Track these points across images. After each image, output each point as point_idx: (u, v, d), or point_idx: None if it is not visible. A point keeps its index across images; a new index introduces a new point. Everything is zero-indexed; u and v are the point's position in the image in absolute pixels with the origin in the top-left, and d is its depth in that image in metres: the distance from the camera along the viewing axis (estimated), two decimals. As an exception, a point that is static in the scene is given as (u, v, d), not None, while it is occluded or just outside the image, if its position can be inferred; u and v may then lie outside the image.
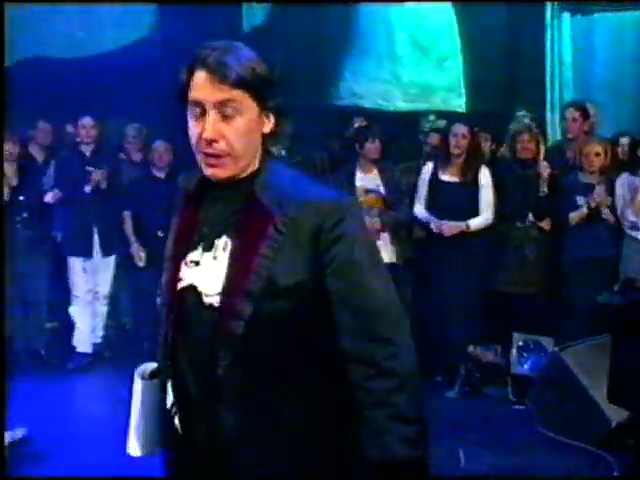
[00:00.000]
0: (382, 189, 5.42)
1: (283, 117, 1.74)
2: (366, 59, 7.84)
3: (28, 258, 5.52)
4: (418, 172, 5.58)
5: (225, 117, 1.64)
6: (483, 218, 5.39)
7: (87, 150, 5.69)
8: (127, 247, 5.83)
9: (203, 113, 1.64)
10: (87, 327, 5.68)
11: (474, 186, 5.38)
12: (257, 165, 1.72)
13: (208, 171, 1.68)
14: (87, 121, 5.74)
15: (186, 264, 1.72)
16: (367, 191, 5.40)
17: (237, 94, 1.63)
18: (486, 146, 5.72)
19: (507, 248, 5.46)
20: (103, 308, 5.79)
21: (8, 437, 4.06)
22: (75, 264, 5.63)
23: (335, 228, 1.63)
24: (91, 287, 5.69)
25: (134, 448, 1.80)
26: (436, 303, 5.44)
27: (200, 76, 1.64)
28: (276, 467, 1.66)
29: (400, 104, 7.70)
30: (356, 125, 6.14)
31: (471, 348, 5.34)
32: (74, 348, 5.66)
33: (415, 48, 7.74)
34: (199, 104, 1.64)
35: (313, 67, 7.81)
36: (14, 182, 5.51)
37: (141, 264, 5.83)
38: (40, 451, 4.17)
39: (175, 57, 5.56)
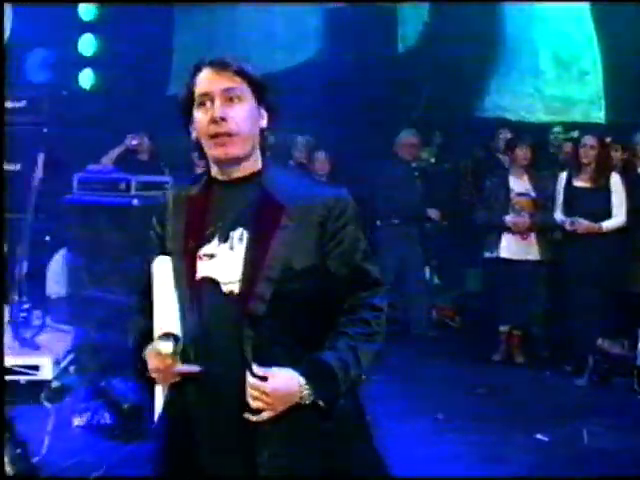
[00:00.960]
0: (532, 193, 6.09)
1: (275, 116, 1.94)
2: (510, 75, 8.36)
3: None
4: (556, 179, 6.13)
5: (230, 100, 1.82)
6: (615, 221, 5.83)
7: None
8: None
9: (211, 102, 1.83)
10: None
11: (606, 191, 5.84)
12: (260, 165, 1.91)
13: (218, 151, 1.83)
14: (263, 134, 6.73)
15: (200, 258, 1.84)
16: (519, 194, 6.07)
17: (238, 81, 1.83)
18: (617, 155, 6.12)
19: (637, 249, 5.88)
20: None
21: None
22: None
23: (340, 218, 1.85)
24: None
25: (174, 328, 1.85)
26: (569, 298, 5.95)
27: (204, 72, 1.85)
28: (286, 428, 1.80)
29: (542, 116, 8.12)
30: (504, 135, 6.78)
31: (600, 341, 5.77)
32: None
33: (557, 63, 8.13)
34: (206, 95, 1.83)
35: (462, 83, 8.41)
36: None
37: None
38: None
39: (339, 77, 6.57)
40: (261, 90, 1.89)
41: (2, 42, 5.62)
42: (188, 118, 1.89)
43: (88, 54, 9.42)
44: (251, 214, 1.83)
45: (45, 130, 5.85)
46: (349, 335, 1.84)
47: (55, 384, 4.96)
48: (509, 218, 6.05)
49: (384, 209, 6.67)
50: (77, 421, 4.56)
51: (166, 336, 1.82)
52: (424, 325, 6.88)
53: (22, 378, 4.79)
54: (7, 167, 5.60)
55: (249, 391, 1.76)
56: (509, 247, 6.10)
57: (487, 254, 6.25)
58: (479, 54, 8.34)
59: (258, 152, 1.90)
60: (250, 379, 1.76)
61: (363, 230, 1.93)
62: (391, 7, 9.07)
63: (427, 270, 7.07)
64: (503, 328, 6.25)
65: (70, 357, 5.14)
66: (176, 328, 1.83)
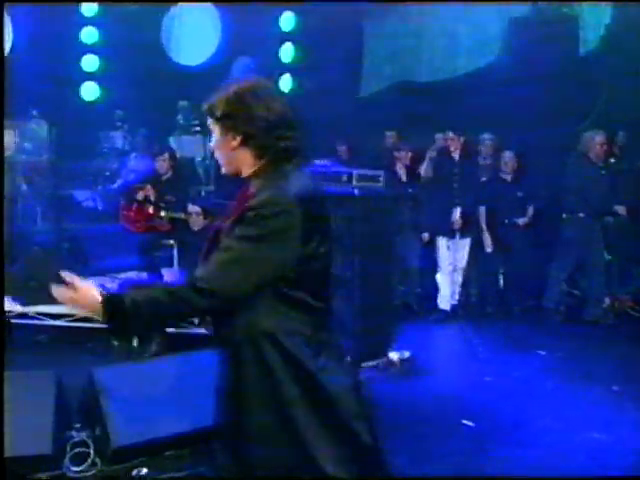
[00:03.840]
0: None
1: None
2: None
3: (405, 239, 7.39)
4: None
5: None
6: None
7: (455, 155, 7.36)
8: (479, 233, 7.46)
9: None
10: (447, 291, 7.40)
11: None
12: None
13: None
14: (451, 135, 7.43)
15: None
16: None
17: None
18: None
19: None
20: (459, 278, 7.47)
21: (398, 355, 5.90)
22: (441, 243, 7.39)
23: None
24: (452, 261, 7.39)
25: None
26: None
27: None
28: None
29: None
30: None
31: None
32: (437, 305, 7.43)
33: None
34: None
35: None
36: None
37: (489, 249, 7.43)
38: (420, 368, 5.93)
39: (521, 79, 7.18)
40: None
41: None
42: None
43: (287, 61, 10.55)
44: None
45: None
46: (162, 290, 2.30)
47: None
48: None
49: (571, 204, 7.16)
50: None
51: None
52: (600, 313, 7.30)
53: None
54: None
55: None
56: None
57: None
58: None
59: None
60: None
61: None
62: (573, 12, 9.45)
63: (607, 261, 7.47)
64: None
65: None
66: None
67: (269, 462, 2.34)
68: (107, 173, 9.05)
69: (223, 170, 2.43)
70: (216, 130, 2.39)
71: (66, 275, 2.30)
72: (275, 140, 2.33)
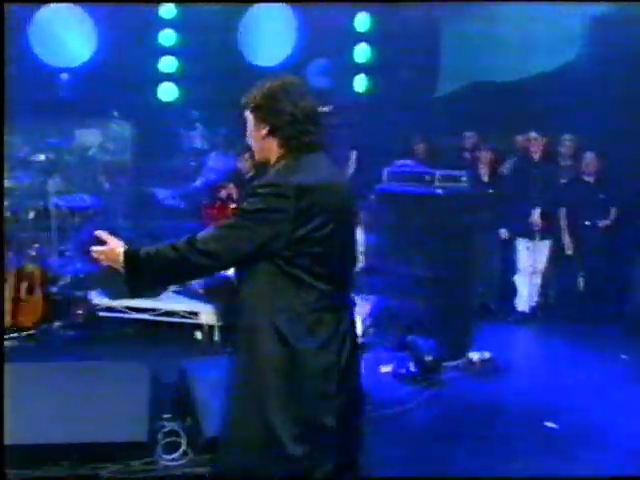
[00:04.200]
0: None
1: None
2: None
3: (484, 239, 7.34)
4: None
5: None
6: None
7: (536, 156, 7.28)
8: (560, 235, 7.35)
9: None
10: (526, 293, 7.33)
11: None
12: None
13: None
14: (533, 135, 7.37)
15: None
16: None
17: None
18: None
19: None
20: (538, 280, 7.39)
21: (478, 355, 5.88)
22: (521, 244, 7.33)
23: None
24: (531, 263, 7.32)
25: None
26: None
27: None
28: None
29: None
30: None
31: None
32: (515, 307, 7.37)
33: None
34: None
35: None
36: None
37: (569, 252, 7.32)
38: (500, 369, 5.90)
39: (600, 78, 7.02)
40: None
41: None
42: None
43: (362, 61, 10.59)
44: None
45: (348, 131, 6.90)
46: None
47: (360, 341, 5.98)
48: None
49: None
50: (384, 369, 5.55)
51: None
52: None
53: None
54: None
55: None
56: None
57: None
58: None
59: None
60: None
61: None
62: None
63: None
64: None
65: (370, 320, 6.15)
66: None
67: (242, 448, 2.56)
68: (187, 172, 9.25)
69: (255, 157, 2.71)
70: (250, 120, 2.64)
71: (101, 233, 2.63)
72: (298, 133, 2.57)
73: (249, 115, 2.64)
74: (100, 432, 4.01)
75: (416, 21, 10.12)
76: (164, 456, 4.12)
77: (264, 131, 2.60)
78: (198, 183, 8.41)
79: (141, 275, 2.59)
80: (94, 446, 4.02)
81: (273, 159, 2.62)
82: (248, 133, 2.67)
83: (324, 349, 2.53)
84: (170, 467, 4.07)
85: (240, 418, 2.58)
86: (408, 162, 6.09)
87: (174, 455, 4.11)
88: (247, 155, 7.15)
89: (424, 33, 10.47)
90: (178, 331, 6.27)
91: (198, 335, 6.17)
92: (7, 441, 3.88)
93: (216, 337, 6.14)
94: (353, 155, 7.02)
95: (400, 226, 5.71)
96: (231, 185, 7.04)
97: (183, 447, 4.13)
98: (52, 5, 9.35)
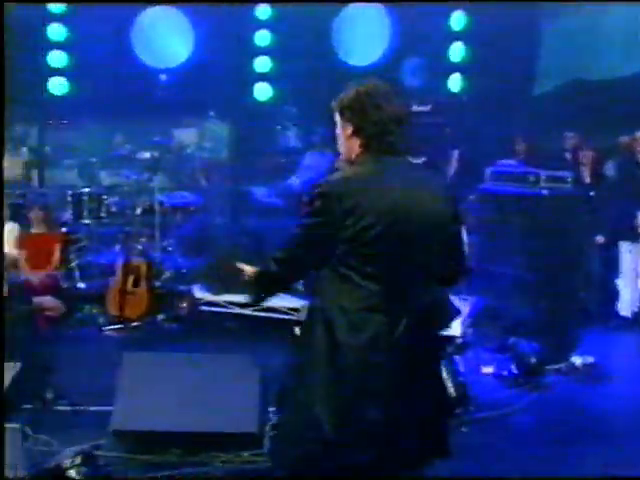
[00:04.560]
0: None
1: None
2: None
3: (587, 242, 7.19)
4: None
5: None
6: None
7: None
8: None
9: None
10: (628, 297, 7.13)
11: None
12: None
13: None
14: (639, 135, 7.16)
15: None
16: None
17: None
18: None
19: None
20: (643, 285, 7.18)
21: (580, 360, 5.77)
22: (624, 247, 7.13)
23: None
24: (634, 267, 7.12)
25: None
26: None
27: None
28: None
29: None
30: None
31: None
32: (617, 312, 7.18)
33: None
34: None
35: None
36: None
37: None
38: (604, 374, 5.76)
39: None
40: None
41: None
42: None
43: (457, 60, 10.50)
44: None
45: (448, 130, 6.86)
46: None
47: (459, 341, 5.96)
48: None
49: None
50: (485, 369, 5.52)
51: None
52: None
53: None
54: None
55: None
56: None
57: None
58: None
59: None
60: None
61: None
62: None
63: None
64: None
65: (470, 321, 6.11)
66: None
67: (289, 430, 2.74)
68: (283, 170, 9.40)
69: (343, 158, 2.77)
70: (338, 122, 2.76)
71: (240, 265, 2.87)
72: (379, 134, 2.66)
73: (338, 117, 2.77)
74: (212, 422, 4.15)
75: (512, 19, 9.95)
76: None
77: (349, 131, 2.71)
78: (295, 181, 8.52)
79: (261, 287, 2.90)
80: (206, 435, 4.16)
81: (354, 159, 2.71)
82: (337, 133, 2.79)
83: (368, 348, 2.56)
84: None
85: (290, 400, 2.77)
86: (511, 162, 6.01)
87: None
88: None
89: (521, 31, 10.30)
90: (279, 327, 6.38)
91: (298, 331, 6.25)
92: (124, 427, 4.10)
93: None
94: (455, 155, 7.01)
95: (502, 226, 5.66)
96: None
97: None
98: (152, 8, 9.65)
